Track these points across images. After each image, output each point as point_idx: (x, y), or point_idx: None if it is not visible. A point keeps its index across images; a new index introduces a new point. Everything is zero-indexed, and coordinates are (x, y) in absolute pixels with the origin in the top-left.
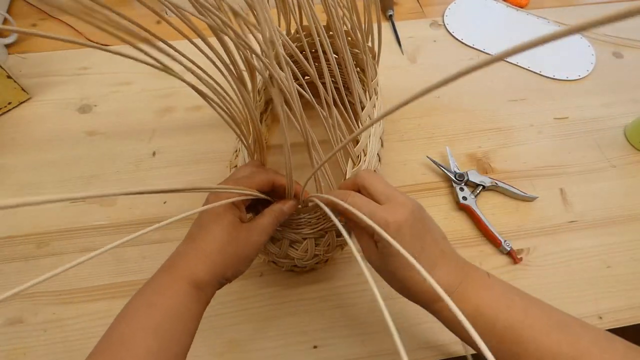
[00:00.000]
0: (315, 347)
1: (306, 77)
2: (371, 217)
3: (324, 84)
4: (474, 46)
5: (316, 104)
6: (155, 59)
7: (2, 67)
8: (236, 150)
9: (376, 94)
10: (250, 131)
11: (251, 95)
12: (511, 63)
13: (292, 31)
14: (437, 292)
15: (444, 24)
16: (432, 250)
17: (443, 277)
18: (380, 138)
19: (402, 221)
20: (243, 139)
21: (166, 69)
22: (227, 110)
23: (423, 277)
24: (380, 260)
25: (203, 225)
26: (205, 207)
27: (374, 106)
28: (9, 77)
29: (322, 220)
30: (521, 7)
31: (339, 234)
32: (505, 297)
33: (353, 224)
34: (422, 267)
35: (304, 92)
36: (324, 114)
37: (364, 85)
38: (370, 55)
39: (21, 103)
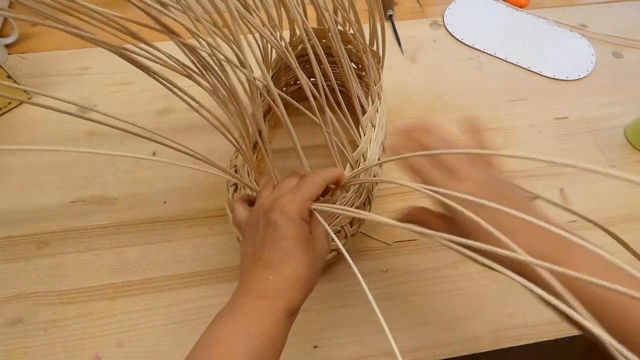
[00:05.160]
0: (315, 347)
1: (311, 79)
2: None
3: (315, 85)
4: (474, 46)
5: (306, 110)
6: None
7: (2, 67)
8: (236, 150)
9: (379, 98)
10: (247, 138)
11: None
12: (511, 63)
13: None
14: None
15: (444, 24)
16: (505, 217)
17: (531, 244)
18: (382, 144)
19: (469, 194)
20: (239, 148)
21: (166, 85)
22: (223, 124)
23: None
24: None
25: (285, 252)
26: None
27: (377, 111)
28: (9, 77)
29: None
30: (521, 7)
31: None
32: (605, 269)
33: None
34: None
35: (292, 101)
36: (317, 120)
37: (367, 89)
38: (375, 60)
39: (21, 103)
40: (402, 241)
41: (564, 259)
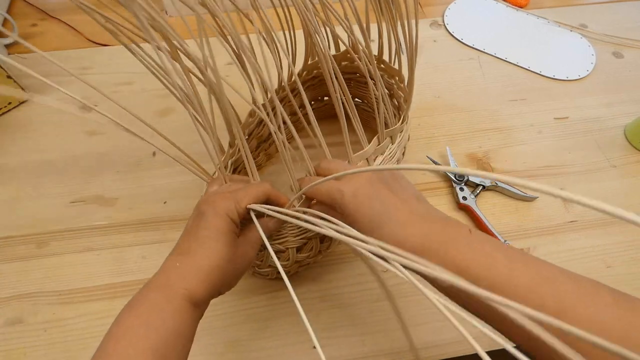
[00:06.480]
0: (315, 347)
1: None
2: (329, 190)
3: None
4: (474, 46)
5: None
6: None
7: (2, 67)
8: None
9: (401, 136)
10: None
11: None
12: (511, 63)
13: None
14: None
15: (444, 24)
16: (397, 211)
17: (413, 237)
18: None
19: (356, 188)
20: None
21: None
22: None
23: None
24: None
25: (201, 241)
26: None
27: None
28: (9, 77)
29: (304, 229)
30: (521, 7)
31: (323, 239)
32: (488, 256)
33: (323, 207)
34: (390, 226)
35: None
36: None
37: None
38: (402, 99)
39: (21, 103)
40: None
41: (451, 247)
